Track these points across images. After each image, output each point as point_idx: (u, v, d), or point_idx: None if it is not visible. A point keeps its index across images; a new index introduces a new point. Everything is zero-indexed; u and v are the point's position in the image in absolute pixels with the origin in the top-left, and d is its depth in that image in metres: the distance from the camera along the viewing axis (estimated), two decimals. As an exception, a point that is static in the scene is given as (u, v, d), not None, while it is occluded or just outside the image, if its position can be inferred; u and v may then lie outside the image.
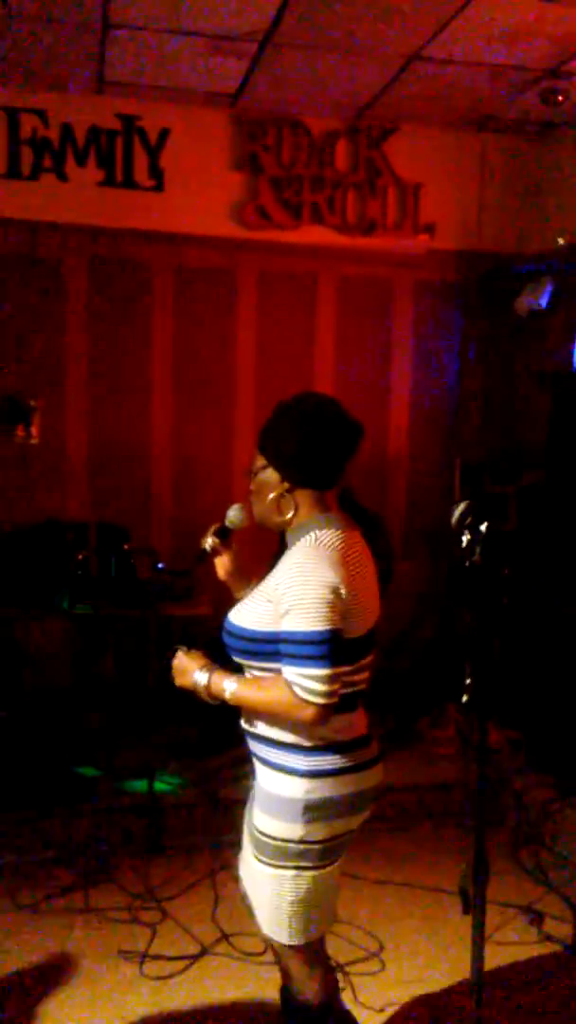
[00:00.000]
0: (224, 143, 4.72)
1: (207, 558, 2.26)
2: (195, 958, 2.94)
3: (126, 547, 3.73)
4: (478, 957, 1.86)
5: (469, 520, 1.82)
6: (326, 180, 4.86)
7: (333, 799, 1.94)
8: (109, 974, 2.84)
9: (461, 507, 1.86)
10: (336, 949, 2.93)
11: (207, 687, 1.98)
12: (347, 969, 2.87)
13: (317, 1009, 2.08)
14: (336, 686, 1.87)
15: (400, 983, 2.82)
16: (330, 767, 1.95)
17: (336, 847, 1.99)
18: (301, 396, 2.07)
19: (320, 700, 1.85)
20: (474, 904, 1.84)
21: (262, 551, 2.16)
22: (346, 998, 2.69)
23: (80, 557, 3.79)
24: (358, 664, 1.99)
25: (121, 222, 4.62)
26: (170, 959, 2.92)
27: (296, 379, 4.94)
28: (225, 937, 3.03)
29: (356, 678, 2.00)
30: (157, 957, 2.93)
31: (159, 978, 2.83)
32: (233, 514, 2.24)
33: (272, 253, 4.88)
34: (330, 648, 1.85)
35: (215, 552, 2.25)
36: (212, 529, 2.26)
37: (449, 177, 5.02)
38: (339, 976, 2.77)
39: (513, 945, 3.06)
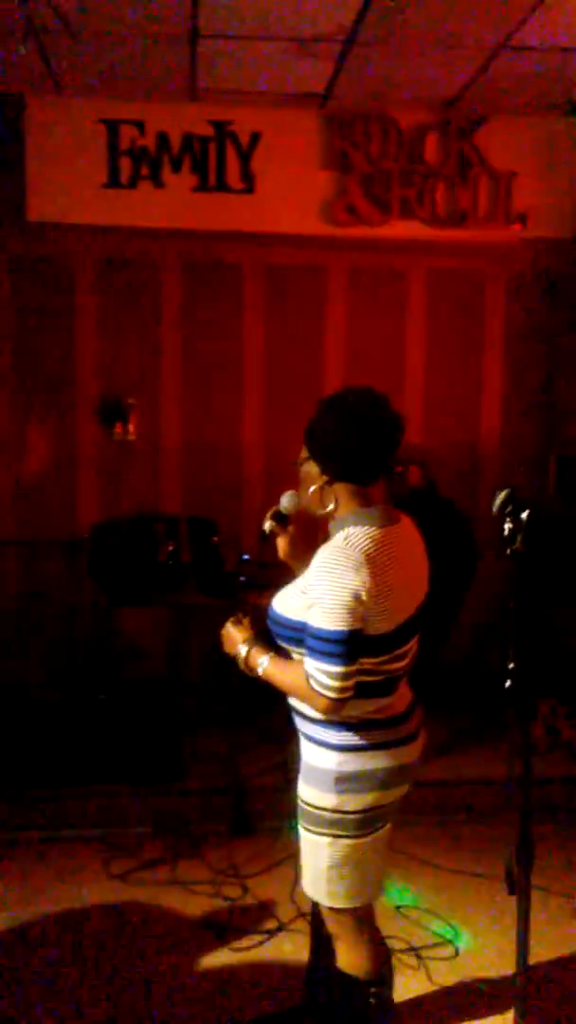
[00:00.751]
0: (314, 142, 4.80)
1: (268, 540, 2.37)
2: (272, 933, 3.04)
3: (214, 540, 3.85)
4: (523, 939, 1.89)
5: (510, 508, 1.85)
6: (416, 173, 4.88)
7: (364, 772, 2.05)
8: (191, 943, 2.98)
9: (502, 495, 1.89)
10: (410, 934, 3.00)
11: (245, 659, 2.14)
12: (421, 953, 2.91)
13: (365, 980, 2.17)
14: (349, 683, 1.96)
15: (471, 968, 2.84)
16: (361, 743, 2.05)
17: (371, 819, 2.08)
18: (343, 391, 2.14)
19: (331, 694, 1.95)
20: (520, 888, 1.86)
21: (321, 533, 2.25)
22: (421, 977, 2.76)
23: (170, 548, 3.95)
24: (392, 654, 2.06)
25: (214, 225, 4.77)
26: (249, 932, 3.04)
27: (386, 374, 4.98)
28: (302, 915, 3.11)
29: (391, 666, 2.07)
30: (237, 929, 3.05)
31: (238, 949, 2.95)
32: (286, 500, 2.34)
33: (362, 249, 4.94)
34: (345, 648, 1.94)
35: (274, 535, 2.36)
36: (269, 513, 2.37)
37: (542, 165, 4.95)
38: (413, 959, 2.85)
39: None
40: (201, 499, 4.80)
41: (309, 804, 2.08)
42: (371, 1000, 2.18)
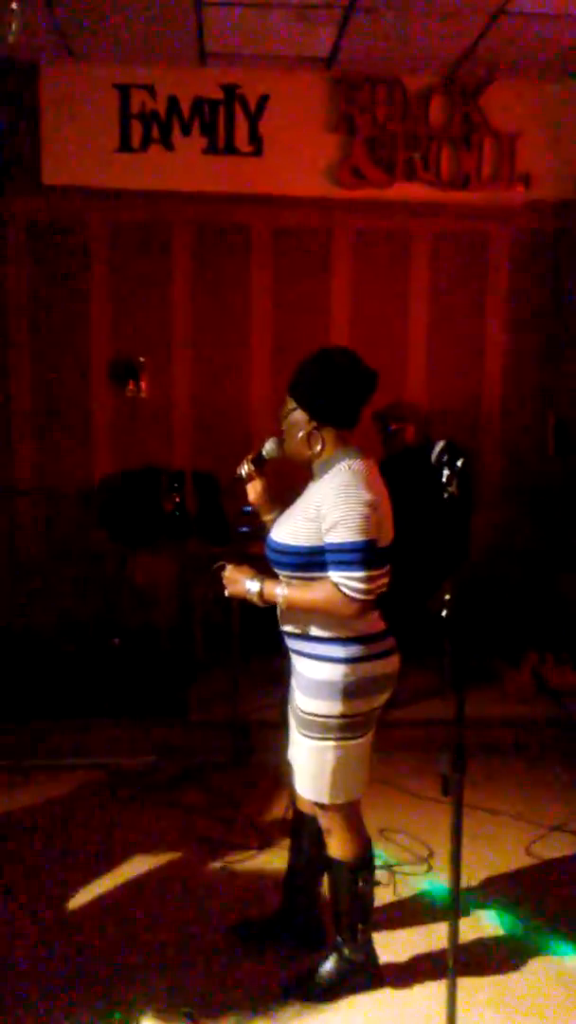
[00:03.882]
0: (320, 105, 4.92)
1: (242, 482, 2.63)
2: (260, 849, 3.32)
3: (218, 494, 4.08)
4: (456, 836, 2.12)
5: (446, 458, 2.05)
6: (420, 136, 4.99)
7: (366, 679, 2.34)
8: (185, 855, 3.27)
9: (440, 446, 2.09)
10: (389, 852, 3.26)
11: (260, 593, 2.36)
12: (395, 869, 3.18)
13: (353, 862, 2.49)
14: (376, 585, 2.27)
15: (441, 883, 3.10)
16: (363, 654, 2.34)
17: (367, 720, 2.39)
18: (326, 350, 2.43)
19: (363, 596, 2.23)
20: (453, 790, 2.10)
21: (284, 484, 2.53)
22: (385, 892, 3.03)
23: (176, 500, 4.18)
24: (386, 568, 2.35)
25: (223, 187, 4.93)
26: (239, 848, 3.32)
27: (390, 334, 5.15)
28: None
29: (383, 581, 2.34)
30: (228, 845, 3.34)
31: (228, 861, 3.24)
32: (269, 445, 2.59)
33: (367, 211, 5.07)
34: (370, 555, 2.24)
35: (250, 478, 2.61)
36: (248, 457, 2.63)
37: (546, 127, 5.04)
38: (387, 874, 3.11)
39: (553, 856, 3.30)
40: (210, 454, 5.01)
41: (317, 715, 2.34)
42: (359, 883, 2.49)
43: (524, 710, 4.39)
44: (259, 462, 2.59)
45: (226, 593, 2.44)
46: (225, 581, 2.44)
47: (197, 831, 3.44)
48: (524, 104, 4.99)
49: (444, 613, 2.06)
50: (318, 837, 2.55)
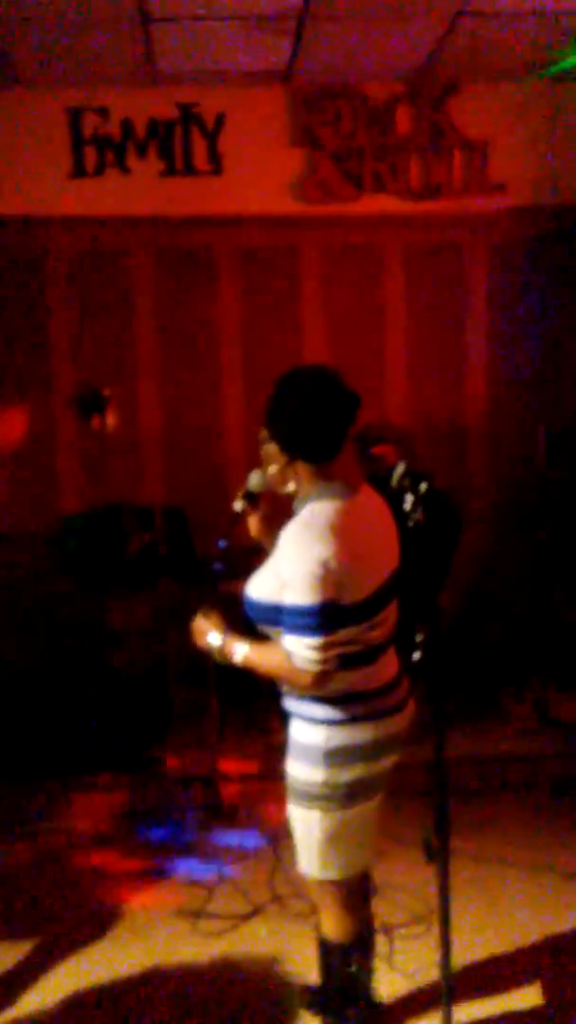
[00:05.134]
0: (281, 120, 4.74)
1: (239, 520, 2.40)
2: (246, 917, 3.05)
3: (185, 528, 3.85)
4: (444, 911, 1.87)
5: (407, 482, 1.82)
6: (388, 147, 4.81)
7: (352, 745, 2.06)
8: (163, 930, 3.00)
9: (400, 469, 1.86)
10: (388, 912, 2.98)
11: (220, 648, 2.13)
12: (393, 932, 2.91)
13: (346, 943, 2.23)
14: (331, 653, 1.98)
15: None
16: (348, 715, 2.07)
17: (360, 791, 2.09)
18: (295, 371, 2.15)
19: (315, 667, 1.97)
20: (439, 855, 1.84)
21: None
22: (382, 961, 2.75)
23: (147, 539, 3.95)
24: (370, 622, 2.07)
25: (184, 209, 4.73)
26: (223, 917, 3.05)
27: (366, 352, 4.94)
28: (278, 898, 3.12)
29: (370, 635, 2.08)
30: (211, 915, 3.06)
31: (210, 934, 2.96)
32: (254, 479, 2.37)
33: (335, 227, 4.88)
34: (322, 619, 1.95)
35: (246, 513, 2.39)
36: (240, 492, 2.40)
37: (518, 131, 4.85)
38: (383, 938, 2.83)
39: (569, 914, 3.02)
40: (183, 486, 4.79)
41: (299, 780, 2.10)
42: (351, 967, 2.23)
43: (529, 744, 4.13)
44: (250, 497, 2.38)
45: (195, 644, 2.22)
46: (193, 631, 2.22)
47: (177, 902, 3.16)
48: (493, 109, 4.81)
49: (416, 657, 1.82)
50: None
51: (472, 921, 2.91)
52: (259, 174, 4.74)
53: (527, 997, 2.64)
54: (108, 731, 3.90)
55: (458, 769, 3.90)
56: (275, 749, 3.81)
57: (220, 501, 4.77)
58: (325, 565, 1.93)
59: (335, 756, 2.05)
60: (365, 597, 2.03)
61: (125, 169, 4.68)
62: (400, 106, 4.78)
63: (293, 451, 2.07)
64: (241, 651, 2.09)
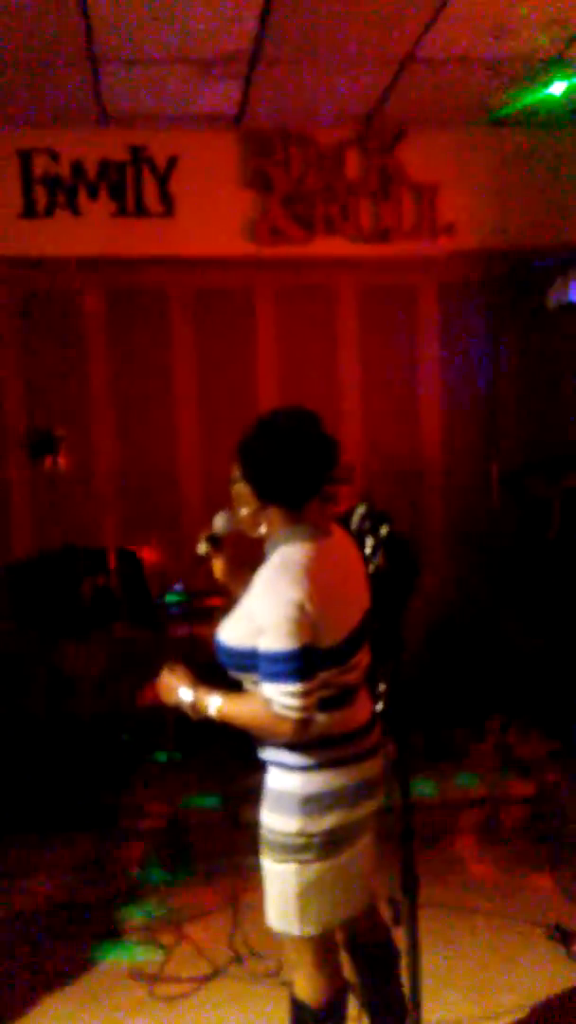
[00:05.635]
0: (232, 163, 4.76)
1: (204, 562, 2.33)
2: (206, 979, 2.91)
3: (139, 571, 3.76)
4: (414, 968, 1.78)
5: (368, 524, 1.77)
6: (338, 190, 4.85)
7: (328, 792, 1.97)
8: (119, 995, 2.84)
9: (360, 511, 1.81)
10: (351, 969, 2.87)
11: (192, 704, 2.03)
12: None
13: (321, 1009, 2.08)
14: (312, 699, 1.91)
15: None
16: (323, 760, 1.98)
17: (338, 840, 1.99)
18: (274, 413, 2.09)
19: (296, 714, 1.89)
20: (406, 918, 1.76)
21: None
22: None
23: (100, 582, 3.84)
24: (346, 664, 2.01)
25: (135, 251, 4.71)
26: (181, 980, 2.91)
27: (321, 394, 4.93)
28: (239, 959, 2.99)
29: (345, 678, 2.02)
30: (169, 979, 2.92)
31: (168, 999, 2.82)
32: (220, 521, 2.30)
33: (288, 269, 4.90)
34: (301, 664, 1.89)
35: (209, 556, 2.32)
36: (203, 536, 2.33)
37: (466, 176, 4.93)
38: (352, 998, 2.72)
39: (537, 967, 2.93)
40: (138, 528, 4.70)
41: (273, 831, 1.99)
42: None
43: (492, 786, 4.06)
44: (214, 540, 2.31)
45: (163, 701, 2.10)
46: (159, 688, 2.11)
47: (133, 963, 3.00)
48: (441, 154, 4.90)
49: (380, 707, 1.75)
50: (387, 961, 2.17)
51: (442, 976, 2.81)
52: (211, 216, 4.74)
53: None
54: (64, 782, 3.73)
55: (420, 813, 3.86)
56: (236, 796, 3.72)
57: (176, 543, 4.77)
58: (301, 609, 1.88)
59: (311, 803, 1.96)
60: (340, 640, 1.98)
61: (76, 210, 4.65)
62: (350, 150, 4.84)
63: (269, 497, 2.02)
64: (215, 705, 2.00)
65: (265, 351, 4.94)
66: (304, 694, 1.88)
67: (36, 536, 4.66)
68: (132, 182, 4.68)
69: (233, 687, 2.06)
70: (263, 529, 2.05)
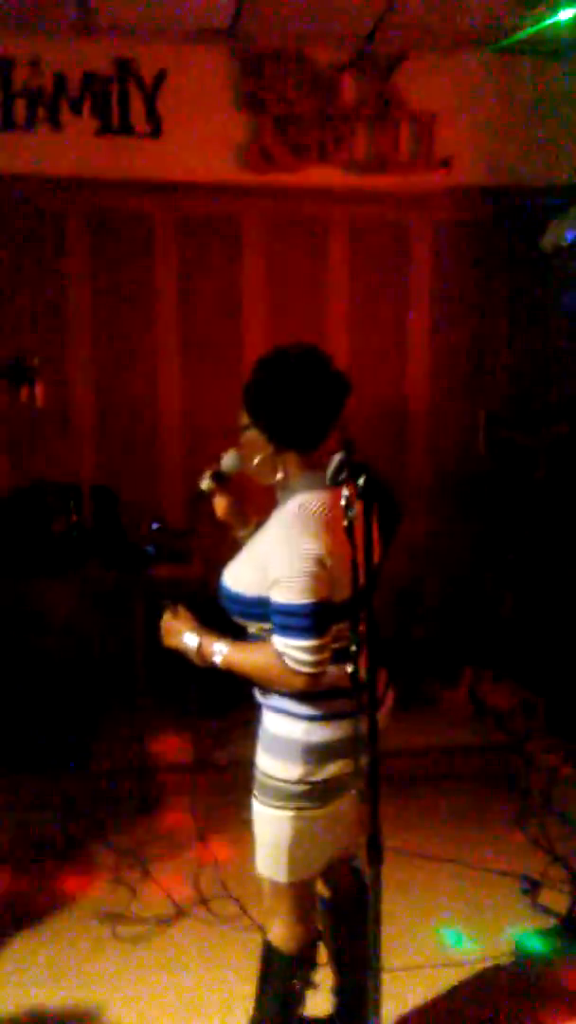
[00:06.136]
0: (223, 82, 4.51)
1: (204, 499, 2.27)
2: (170, 920, 2.92)
3: (115, 509, 3.65)
4: (375, 943, 1.75)
5: (344, 474, 1.68)
6: (333, 116, 4.62)
7: (332, 741, 1.94)
8: (82, 934, 2.84)
9: (335, 461, 1.72)
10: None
11: (197, 651, 1.98)
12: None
13: (295, 955, 2.09)
14: (325, 655, 1.87)
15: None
16: (330, 711, 1.94)
17: (336, 788, 1.97)
18: (282, 351, 1.99)
19: (309, 669, 1.85)
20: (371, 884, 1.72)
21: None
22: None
23: (73, 519, 3.74)
24: (357, 617, 1.93)
25: (119, 172, 4.48)
26: (146, 921, 2.91)
27: (307, 329, 4.77)
28: (203, 900, 3.00)
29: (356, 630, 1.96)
30: (133, 919, 2.92)
31: (131, 939, 2.82)
32: (228, 460, 2.23)
33: (278, 198, 4.69)
34: (317, 620, 1.84)
35: (213, 494, 2.26)
36: (208, 472, 2.26)
37: (467, 106, 4.71)
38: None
39: (502, 916, 2.95)
40: (115, 464, 4.60)
41: (273, 777, 1.96)
42: (295, 982, 2.11)
43: (462, 735, 4.06)
44: (220, 477, 2.23)
45: (164, 644, 2.06)
46: (162, 631, 2.07)
47: (98, 902, 3.00)
48: (442, 81, 4.66)
49: (350, 669, 1.68)
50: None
51: (405, 923, 2.83)
52: (200, 138, 4.52)
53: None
54: (33, 721, 3.69)
55: (389, 760, 3.86)
56: (206, 739, 3.70)
57: (152, 481, 4.66)
58: (320, 563, 1.83)
59: (314, 752, 1.93)
60: (351, 594, 1.91)
61: (57, 124, 4.40)
62: (346, 74, 4.59)
63: (283, 441, 1.94)
64: (221, 652, 1.96)
65: (251, 283, 4.76)
66: (318, 649, 1.84)
67: (10, 471, 4.53)
68: (118, 98, 4.43)
69: (227, 629, 2.01)
70: (280, 475, 1.97)
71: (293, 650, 1.84)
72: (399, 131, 4.68)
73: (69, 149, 4.43)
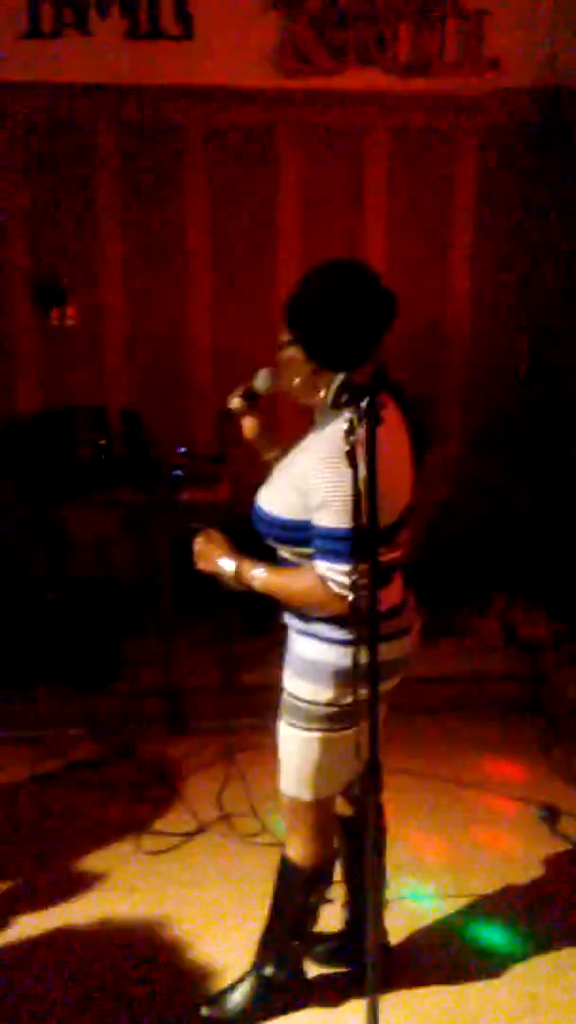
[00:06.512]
0: (258, -23, 4.26)
1: (233, 418, 2.24)
2: (191, 835, 3.00)
3: (142, 433, 3.63)
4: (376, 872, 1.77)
5: (346, 397, 1.62)
6: (375, 14, 4.35)
7: (362, 666, 1.91)
8: (107, 847, 2.95)
9: (335, 383, 1.65)
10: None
11: (235, 574, 1.98)
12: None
13: (312, 871, 2.15)
14: (367, 580, 1.83)
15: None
16: (360, 636, 1.92)
17: (363, 710, 1.95)
18: (328, 266, 1.91)
19: (349, 592, 1.83)
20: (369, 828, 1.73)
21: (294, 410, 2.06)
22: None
23: (102, 443, 3.72)
24: (393, 543, 1.96)
25: (149, 78, 4.30)
26: (169, 835, 3.00)
27: (343, 245, 4.62)
28: (225, 817, 3.08)
29: (391, 555, 1.97)
30: (156, 833, 3.02)
31: (153, 852, 2.92)
32: (261, 380, 2.19)
33: (315, 103, 4.46)
34: (359, 545, 1.81)
35: (242, 413, 2.23)
36: (239, 391, 2.23)
37: (517, 2, 4.39)
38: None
39: (520, 844, 2.98)
40: (145, 390, 4.55)
41: (302, 699, 2.00)
42: (311, 897, 2.18)
43: (491, 662, 4.05)
44: (251, 397, 2.19)
45: (197, 567, 2.06)
46: (196, 554, 2.06)
47: (123, 816, 3.10)
48: (493, -26, 4.34)
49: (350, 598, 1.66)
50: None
51: (421, 847, 2.88)
52: (232, 40, 4.29)
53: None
54: (62, 643, 3.76)
55: (419, 686, 3.87)
56: (233, 661, 3.74)
57: (182, 406, 4.61)
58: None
59: (345, 675, 1.92)
60: (395, 517, 1.92)
61: (85, 30, 4.22)
62: (391, -35, 4.30)
63: (326, 360, 1.85)
64: (261, 577, 1.96)
65: (286, 196, 4.58)
66: (361, 573, 1.83)
67: (40, 394, 4.51)
68: (147, -2, 4.22)
69: (256, 552, 2.00)
70: (318, 396, 1.89)
71: (335, 574, 1.83)
72: (445, 30, 4.40)
73: (97, 55, 4.25)
